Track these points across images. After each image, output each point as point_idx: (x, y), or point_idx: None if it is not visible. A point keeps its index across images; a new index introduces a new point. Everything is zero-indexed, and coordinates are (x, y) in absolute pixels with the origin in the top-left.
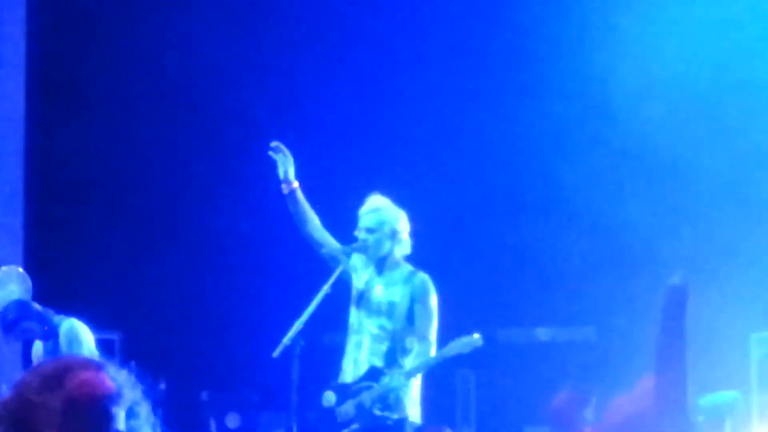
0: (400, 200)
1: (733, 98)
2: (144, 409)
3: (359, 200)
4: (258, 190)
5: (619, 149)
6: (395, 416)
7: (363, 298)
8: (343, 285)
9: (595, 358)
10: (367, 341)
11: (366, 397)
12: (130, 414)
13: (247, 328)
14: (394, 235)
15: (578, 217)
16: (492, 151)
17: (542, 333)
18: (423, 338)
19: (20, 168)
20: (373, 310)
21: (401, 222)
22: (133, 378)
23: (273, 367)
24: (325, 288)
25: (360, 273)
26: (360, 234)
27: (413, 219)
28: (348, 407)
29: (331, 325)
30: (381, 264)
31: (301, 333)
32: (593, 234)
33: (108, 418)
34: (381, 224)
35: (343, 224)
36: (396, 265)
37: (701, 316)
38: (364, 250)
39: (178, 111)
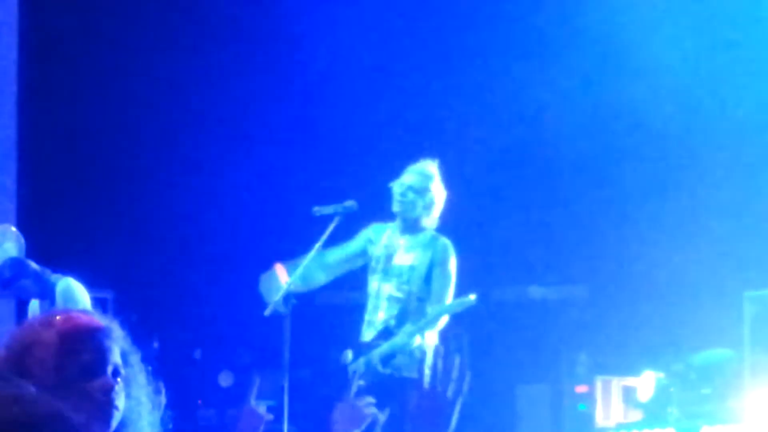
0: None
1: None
2: (136, 358)
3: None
4: (253, 144)
5: (611, 113)
6: (403, 374)
7: (382, 264)
8: (336, 242)
9: (586, 316)
10: (384, 305)
11: (374, 355)
12: (125, 361)
13: (239, 287)
14: (430, 206)
15: (571, 175)
16: (488, 108)
17: (534, 291)
18: (438, 301)
19: (13, 127)
20: (393, 274)
21: (440, 198)
22: (123, 331)
23: (265, 325)
24: (318, 246)
25: (376, 243)
26: (400, 188)
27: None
28: (359, 364)
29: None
30: (406, 226)
31: (292, 291)
32: (587, 192)
33: (103, 350)
34: (425, 190)
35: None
36: (420, 229)
37: (695, 274)
38: (400, 206)
39: (171, 76)
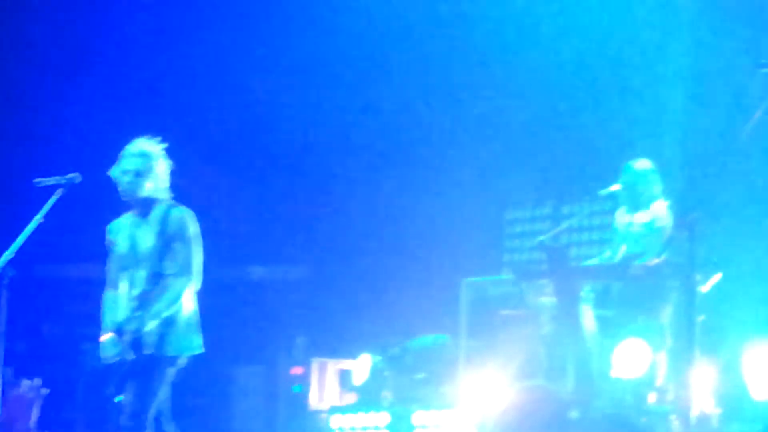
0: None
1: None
2: None
3: None
4: None
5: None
6: (153, 352)
7: (130, 253)
8: (58, 215)
9: (306, 298)
10: (138, 290)
11: (128, 336)
12: None
13: None
14: (155, 180)
15: (292, 157)
16: (213, 86)
17: (255, 271)
18: (185, 273)
19: None
20: (140, 259)
21: (164, 171)
22: None
23: None
24: (38, 217)
25: (120, 241)
26: (121, 175)
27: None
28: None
29: (43, 255)
30: (140, 210)
31: (11, 262)
32: (308, 174)
33: None
34: (147, 170)
35: None
36: (153, 205)
37: (415, 260)
38: (126, 193)
39: None
